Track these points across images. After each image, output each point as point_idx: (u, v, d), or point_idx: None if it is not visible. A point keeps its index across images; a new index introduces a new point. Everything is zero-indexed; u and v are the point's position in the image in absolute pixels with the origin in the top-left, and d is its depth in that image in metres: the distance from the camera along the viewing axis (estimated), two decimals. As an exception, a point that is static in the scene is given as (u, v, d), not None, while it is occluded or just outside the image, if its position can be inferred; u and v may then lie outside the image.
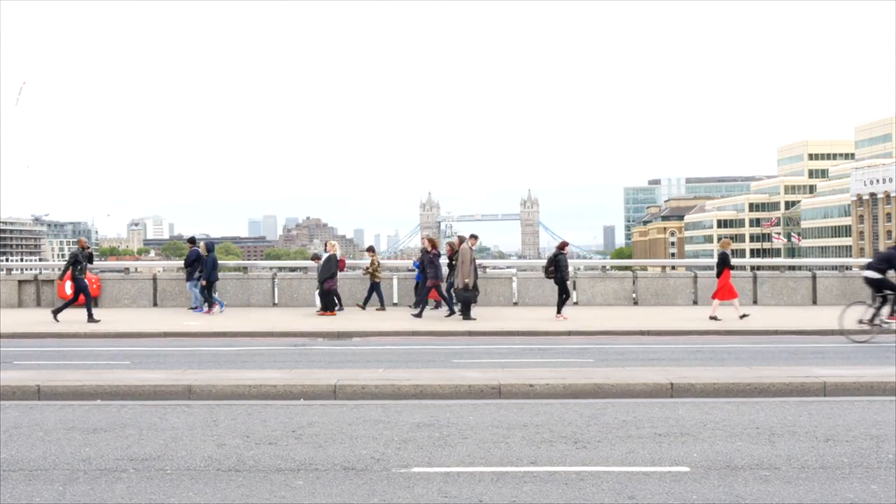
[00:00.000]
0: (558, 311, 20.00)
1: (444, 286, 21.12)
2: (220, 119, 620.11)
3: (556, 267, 20.10)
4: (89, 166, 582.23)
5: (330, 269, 21.23)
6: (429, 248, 20.94)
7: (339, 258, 21.97)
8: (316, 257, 23.90)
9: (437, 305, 21.97)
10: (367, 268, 23.13)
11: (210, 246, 22.56)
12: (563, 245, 20.77)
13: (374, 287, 22.80)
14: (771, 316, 20.44)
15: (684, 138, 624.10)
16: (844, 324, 15.98)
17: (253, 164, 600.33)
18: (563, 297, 20.20)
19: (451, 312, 20.15)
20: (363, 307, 22.76)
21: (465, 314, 19.68)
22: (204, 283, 21.86)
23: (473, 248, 20.26)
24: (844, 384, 10.33)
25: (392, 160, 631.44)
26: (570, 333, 17.71)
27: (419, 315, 20.20)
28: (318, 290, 21.89)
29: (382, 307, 22.65)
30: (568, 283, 20.61)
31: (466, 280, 19.53)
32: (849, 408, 9.37)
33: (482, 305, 23.68)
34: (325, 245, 23.05)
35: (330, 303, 21.36)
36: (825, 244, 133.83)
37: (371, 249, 24.64)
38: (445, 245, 22.79)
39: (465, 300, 19.74)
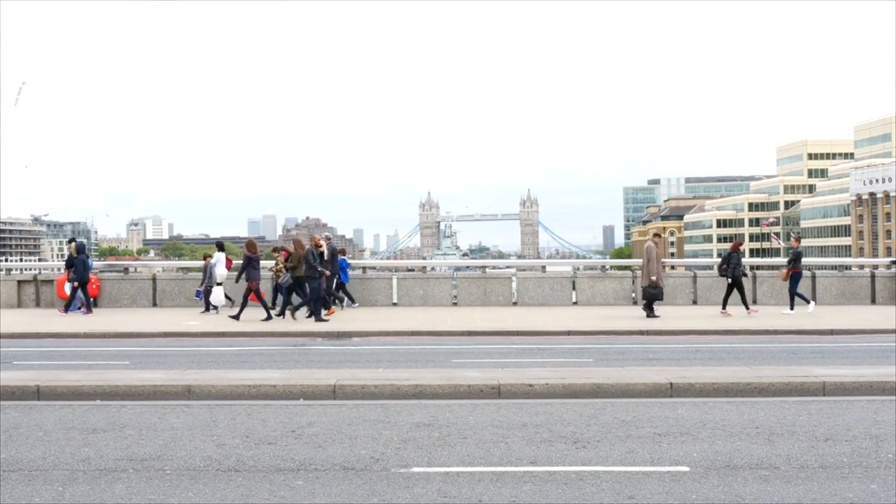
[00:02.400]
0: (747, 308, 20.46)
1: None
2: (220, 119, 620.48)
3: (729, 265, 20.51)
4: (88, 166, 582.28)
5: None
6: (247, 251, 20.89)
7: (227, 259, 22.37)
8: (207, 256, 23.26)
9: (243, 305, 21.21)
10: (273, 267, 22.21)
11: (80, 248, 22.44)
12: (738, 245, 21.24)
13: (278, 288, 22.43)
14: (770, 316, 20.43)
15: (684, 138, 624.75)
16: None
17: (252, 163, 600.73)
18: (742, 295, 20.61)
19: (269, 317, 20.03)
20: (274, 309, 22.56)
21: (650, 311, 19.86)
22: (76, 284, 21.88)
23: (657, 246, 20.65)
24: (844, 384, 10.33)
25: (392, 160, 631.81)
26: (569, 333, 17.72)
27: (325, 313, 20.50)
28: (201, 291, 22.68)
29: (275, 308, 21.83)
30: (743, 280, 20.92)
31: (653, 277, 19.79)
32: (848, 407, 9.38)
33: (483, 306, 23.69)
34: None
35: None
36: (824, 244, 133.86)
37: (276, 250, 24.34)
38: (282, 250, 22.20)
39: (651, 297, 19.92)
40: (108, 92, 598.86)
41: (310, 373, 11.77)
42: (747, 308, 20.51)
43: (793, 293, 21.12)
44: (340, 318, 20.53)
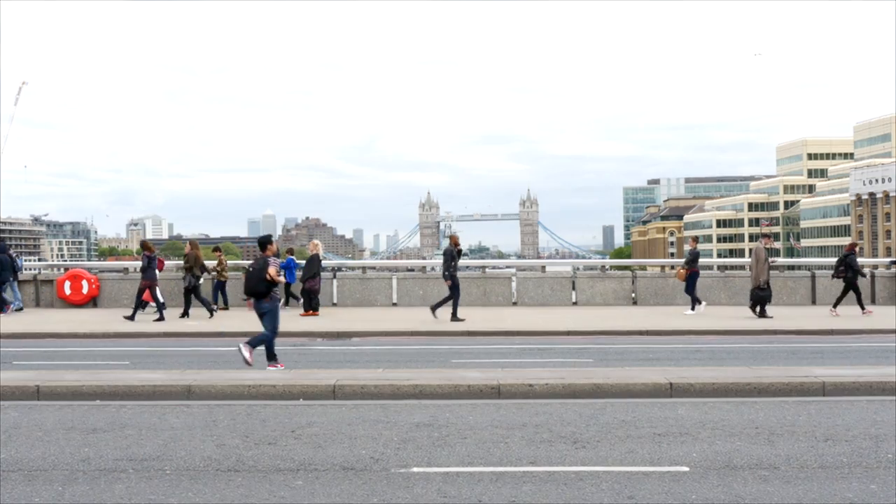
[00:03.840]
0: (862, 308, 20.51)
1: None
2: (219, 119, 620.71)
3: (847, 267, 20.69)
4: (88, 166, 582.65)
5: (312, 269, 21.48)
6: (144, 251, 20.93)
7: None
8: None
9: (145, 305, 21.27)
10: (214, 268, 23.24)
11: (2, 247, 22.51)
12: (853, 246, 21.40)
13: (220, 287, 23.02)
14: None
15: (684, 138, 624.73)
16: None
17: (252, 163, 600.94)
18: (857, 296, 20.76)
19: (161, 318, 19.98)
20: (226, 307, 22.87)
21: (762, 312, 19.88)
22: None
23: (767, 247, 20.72)
24: (844, 384, 10.34)
25: (392, 160, 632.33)
26: (569, 333, 17.73)
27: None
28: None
29: (226, 307, 22.88)
30: (858, 281, 21.01)
31: (762, 279, 19.84)
32: (848, 408, 9.38)
33: (483, 306, 23.69)
34: (309, 245, 23.15)
35: (315, 302, 21.48)
36: (824, 244, 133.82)
37: (218, 249, 24.58)
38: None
39: (760, 299, 19.98)
40: (108, 92, 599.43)
41: (310, 373, 11.78)
42: (862, 309, 20.51)
43: (690, 293, 21.17)
44: (340, 318, 20.54)
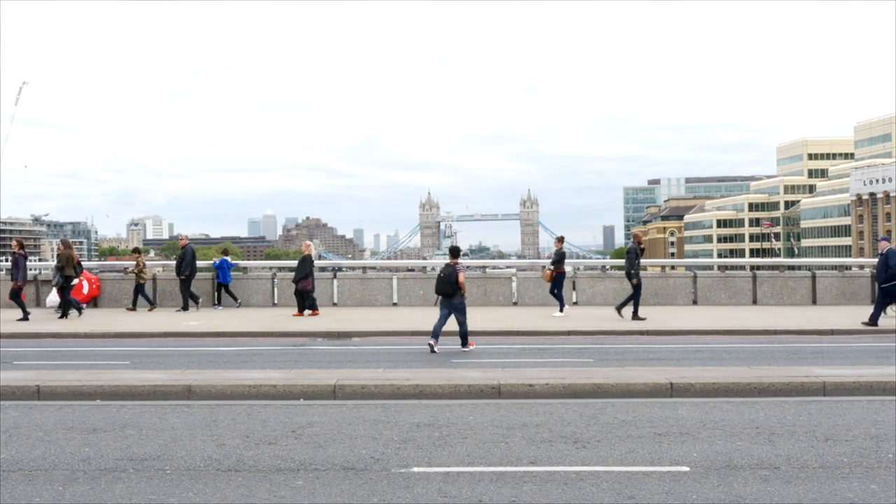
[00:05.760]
0: None
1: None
2: (221, 119, 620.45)
3: None
4: (88, 166, 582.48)
5: (304, 270, 21.50)
6: (15, 249, 20.87)
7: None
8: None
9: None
10: (133, 269, 23.48)
11: None
12: None
13: (139, 288, 23.09)
14: (771, 316, 20.44)
15: (684, 138, 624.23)
16: None
17: (252, 163, 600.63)
18: None
19: (25, 318, 20.13)
20: (133, 308, 22.95)
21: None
22: None
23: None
24: (844, 384, 10.34)
25: (392, 160, 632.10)
26: (569, 333, 17.72)
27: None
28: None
29: (153, 306, 23.20)
30: None
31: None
32: (848, 407, 9.38)
33: (483, 306, 23.67)
34: (302, 245, 23.22)
35: (310, 302, 21.48)
36: (825, 244, 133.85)
37: (136, 251, 24.67)
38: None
39: None
40: (108, 91, 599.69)
41: (310, 373, 11.77)
42: None
43: (556, 293, 21.04)
44: (340, 318, 20.54)
